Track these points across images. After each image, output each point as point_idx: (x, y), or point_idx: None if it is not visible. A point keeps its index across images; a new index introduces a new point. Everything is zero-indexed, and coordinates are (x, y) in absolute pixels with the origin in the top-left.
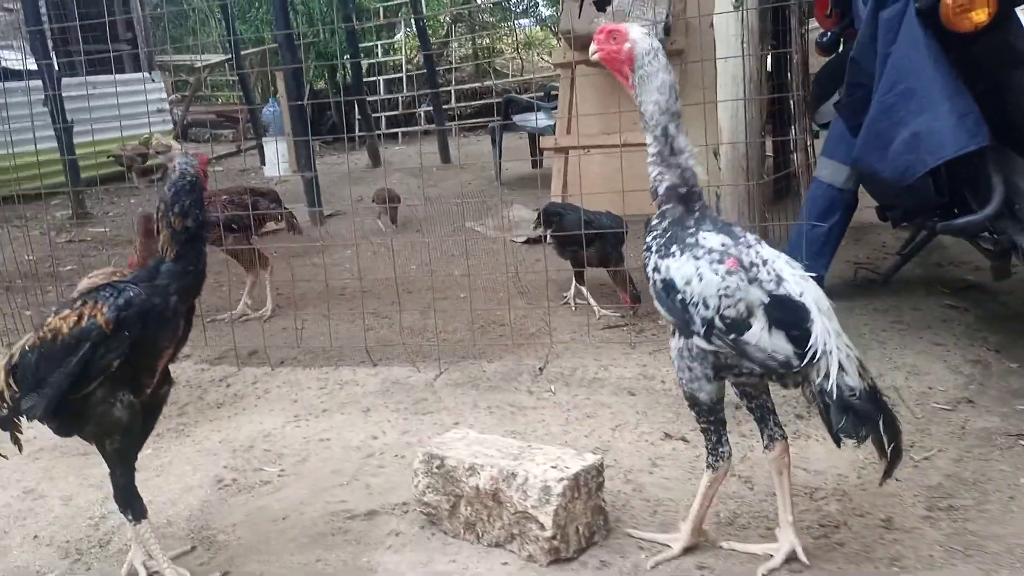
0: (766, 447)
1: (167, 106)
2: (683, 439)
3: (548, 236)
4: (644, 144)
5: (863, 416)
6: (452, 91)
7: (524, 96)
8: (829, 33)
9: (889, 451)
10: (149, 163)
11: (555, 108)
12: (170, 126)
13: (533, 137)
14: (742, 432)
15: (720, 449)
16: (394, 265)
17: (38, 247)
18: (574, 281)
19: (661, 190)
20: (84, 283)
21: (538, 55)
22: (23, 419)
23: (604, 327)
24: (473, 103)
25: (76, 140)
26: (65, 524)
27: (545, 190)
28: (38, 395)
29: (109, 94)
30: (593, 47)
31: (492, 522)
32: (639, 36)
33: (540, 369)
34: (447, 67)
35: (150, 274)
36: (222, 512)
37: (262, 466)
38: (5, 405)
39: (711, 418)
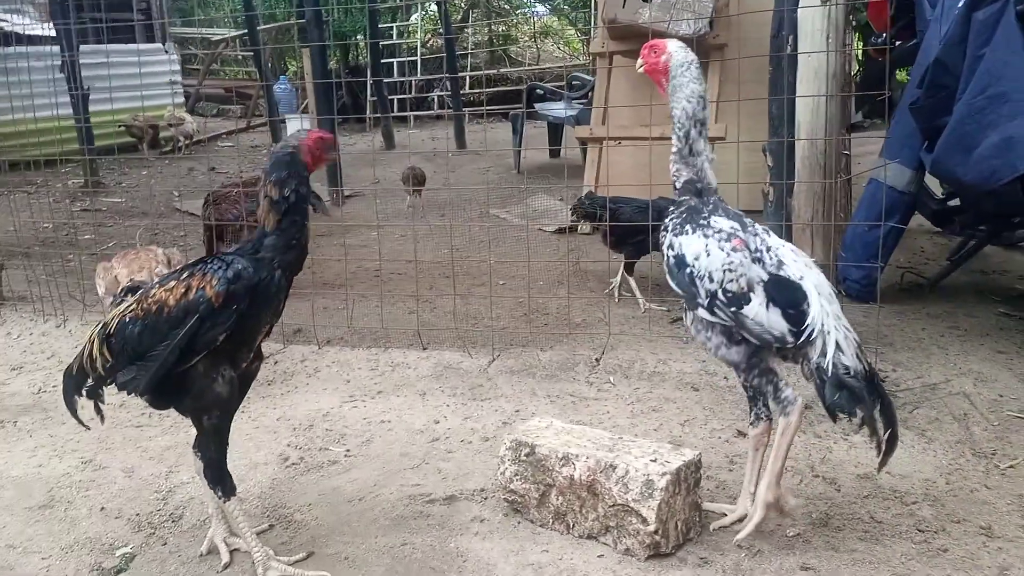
0: (751, 424)
1: (179, 78)
2: None
3: (598, 227)
4: None
5: (858, 395)
6: (467, 77)
7: (547, 85)
8: (883, 35)
9: (886, 438)
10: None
11: (577, 98)
12: (181, 99)
13: (552, 127)
14: (817, 433)
15: (782, 395)
16: (451, 251)
17: (53, 214)
18: (622, 272)
19: (679, 184)
20: (118, 263)
21: (553, 44)
22: (104, 390)
23: (672, 320)
24: (488, 90)
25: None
26: (131, 497)
27: (569, 179)
28: (138, 368)
29: (122, 63)
30: (640, 61)
31: (585, 513)
32: (675, 49)
33: (596, 360)
34: (462, 52)
35: (254, 247)
36: (293, 491)
37: (326, 446)
38: (96, 374)
39: (755, 371)
